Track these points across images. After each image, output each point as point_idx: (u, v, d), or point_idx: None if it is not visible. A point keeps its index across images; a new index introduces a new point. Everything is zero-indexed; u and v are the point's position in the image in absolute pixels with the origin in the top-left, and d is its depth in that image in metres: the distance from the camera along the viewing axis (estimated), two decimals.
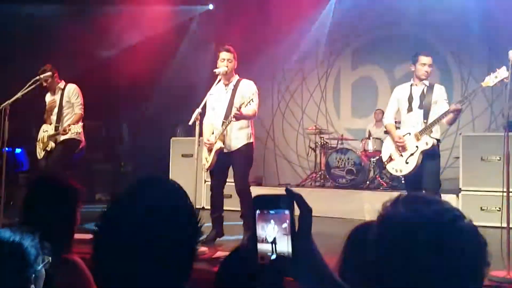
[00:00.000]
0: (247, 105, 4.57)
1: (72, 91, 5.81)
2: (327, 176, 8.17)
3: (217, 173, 4.95)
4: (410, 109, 4.72)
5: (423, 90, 4.75)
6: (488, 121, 8.56)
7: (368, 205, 7.07)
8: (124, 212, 1.03)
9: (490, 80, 4.20)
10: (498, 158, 6.31)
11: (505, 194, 4.02)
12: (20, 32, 7.97)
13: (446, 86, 9.00)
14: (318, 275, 0.96)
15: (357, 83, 10.00)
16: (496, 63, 8.04)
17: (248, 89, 4.85)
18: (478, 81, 8.71)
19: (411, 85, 4.82)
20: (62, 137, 5.62)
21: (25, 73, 5.78)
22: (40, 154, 5.80)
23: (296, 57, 10.28)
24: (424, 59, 4.71)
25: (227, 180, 5.09)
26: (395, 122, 5.04)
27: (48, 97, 5.94)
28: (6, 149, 5.33)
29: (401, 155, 4.68)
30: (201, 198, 7.48)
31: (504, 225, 3.86)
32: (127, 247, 0.99)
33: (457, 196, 6.75)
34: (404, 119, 4.81)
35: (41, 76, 5.58)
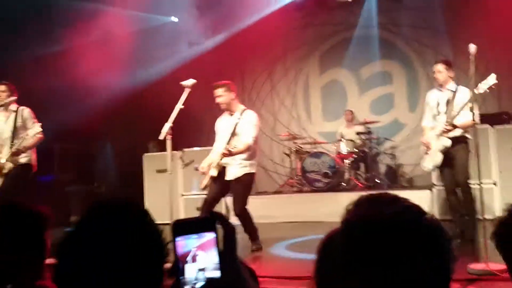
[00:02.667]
0: (237, 150, 4.84)
1: (27, 114, 5.54)
2: (304, 181, 8.19)
3: (214, 189, 5.07)
4: (437, 113, 5.11)
5: (449, 95, 5.05)
6: None
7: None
8: (82, 238, 0.99)
9: (481, 87, 4.39)
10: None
11: (478, 186, 4.09)
12: None
13: (413, 85, 9.33)
14: None
15: (326, 86, 10.11)
16: (460, 58, 8.31)
17: (249, 121, 5.10)
18: None
19: (439, 90, 5.16)
20: (18, 161, 5.42)
21: None
22: None
23: (264, 65, 10.35)
24: (434, 67, 5.16)
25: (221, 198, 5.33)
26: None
27: None
28: None
29: (427, 154, 5.15)
30: (178, 213, 7.39)
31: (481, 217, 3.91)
32: (87, 274, 0.95)
33: (431, 191, 6.85)
34: (435, 123, 5.17)
35: (6, 100, 5.43)
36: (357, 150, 8.34)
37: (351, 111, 9.19)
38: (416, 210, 0.92)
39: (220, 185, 5.06)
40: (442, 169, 5.08)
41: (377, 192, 0.97)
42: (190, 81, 4.82)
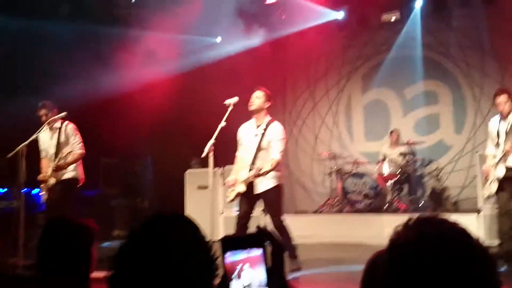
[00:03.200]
0: (265, 170, 4.72)
1: (70, 130, 5.73)
2: (344, 201, 8.08)
3: (245, 204, 5.02)
4: (497, 143, 5.10)
5: (508, 124, 5.03)
6: None
7: (388, 229, 6.94)
8: (138, 251, 1.02)
9: None
10: None
11: None
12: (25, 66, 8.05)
13: (459, 106, 9.09)
14: None
15: (369, 106, 10.00)
16: (508, 80, 8.08)
17: (274, 134, 5.00)
18: (490, 98, 8.66)
19: (500, 119, 5.14)
20: (63, 176, 5.62)
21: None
22: (44, 195, 5.67)
23: (306, 83, 10.39)
24: (496, 99, 5.10)
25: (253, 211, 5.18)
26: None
27: (44, 136, 5.75)
28: (24, 190, 5.37)
29: (487, 181, 5.22)
30: (218, 230, 7.43)
31: None
32: (143, 285, 0.98)
33: (477, 214, 6.62)
34: (497, 151, 5.16)
35: (55, 117, 5.65)
36: (400, 171, 8.18)
37: (397, 131, 9.02)
38: (464, 233, 0.92)
39: (249, 199, 4.98)
40: (497, 192, 5.05)
41: (427, 214, 0.97)
42: (233, 99, 4.89)
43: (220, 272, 1.00)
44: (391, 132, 9.03)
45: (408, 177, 8.19)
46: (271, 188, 4.96)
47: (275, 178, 4.98)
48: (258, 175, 4.78)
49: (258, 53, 9.52)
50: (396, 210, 7.89)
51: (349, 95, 10.22)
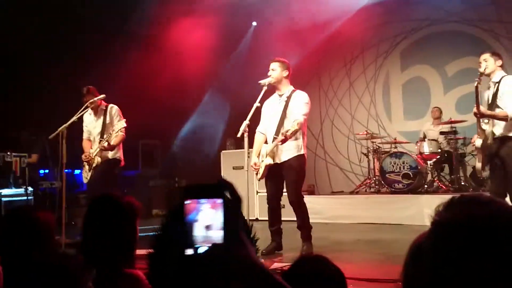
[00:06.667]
0: (291, 131, 4.48)
1: (114, 112, 5.92)
2: (382, 182, 7.94)
3: (271, 185, 4.93)
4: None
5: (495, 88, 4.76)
6: None
7: (427, 210, 6.81)
8: (178, 230, 1.03)
9: None
10: None
11: None
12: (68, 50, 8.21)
13: None
14: (245, 265, 0.95)
15: (408, 84, 9.74)
16: None
17: (299, 100, 4.84)
18: None
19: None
20: (107, 156, 5.77)
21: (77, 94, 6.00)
22: (87, 175, 5.85)
23: (342, 62, 10.19)
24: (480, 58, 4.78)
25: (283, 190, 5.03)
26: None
27: (89, 117, 6.00)
28: (65, 170, 5.53)
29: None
30: (254, 209, 7.48)
31: None
32: (181, 264, 0.98)
33: None
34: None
35: (95, 99, 5.78)
36: (441, 151, 7.95)
37: (438, 108, 8.77)
38: (511, 212, 0.86)
39: (275, 177, 4.84)
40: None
41: (470, 193, 0.92)
42: (268, 80, 4.85)
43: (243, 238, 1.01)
44: (433, 109, 8.80)
45: (449, 157, 7.97)
46: (295, 157, 4.77)
47: (298, 147, 4.80)
48: (285, 139, 4.54)
49: (292, 33, 9.35)
50: (436, 190, 7.71)
51: (387, 73, 9.98)
